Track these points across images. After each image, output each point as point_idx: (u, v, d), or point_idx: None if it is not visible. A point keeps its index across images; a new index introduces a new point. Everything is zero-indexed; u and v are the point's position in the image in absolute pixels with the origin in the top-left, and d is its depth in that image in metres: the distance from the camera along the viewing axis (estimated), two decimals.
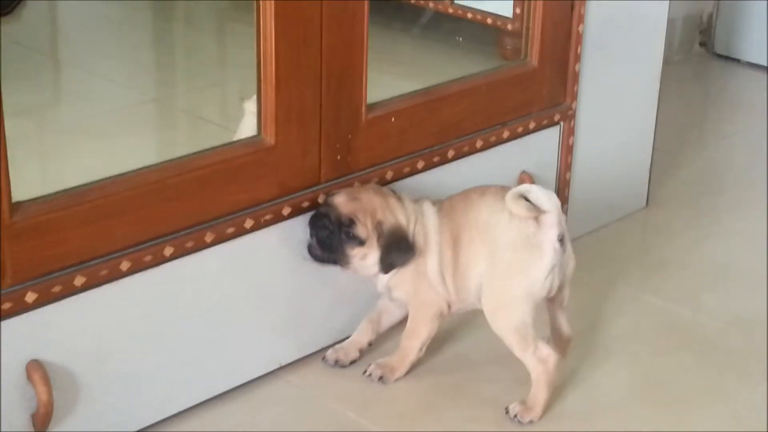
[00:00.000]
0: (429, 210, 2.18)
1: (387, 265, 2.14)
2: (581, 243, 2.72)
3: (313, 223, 2.13)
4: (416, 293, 2.18)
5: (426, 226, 2.16)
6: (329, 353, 2.26)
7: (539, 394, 2.11)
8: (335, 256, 2.13)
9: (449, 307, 2.19)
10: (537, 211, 2.05)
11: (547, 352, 2.10)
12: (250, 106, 2.16)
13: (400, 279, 2.17)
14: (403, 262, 2.14)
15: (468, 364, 2.28)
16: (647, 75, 2.82)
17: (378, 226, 2.12)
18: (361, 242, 2.12)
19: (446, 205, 2.19)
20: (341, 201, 2.12)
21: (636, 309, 2.52)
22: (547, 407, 2.13)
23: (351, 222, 2.11)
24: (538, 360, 2.09)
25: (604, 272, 2.65)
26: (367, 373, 2.21)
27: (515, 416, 2.11)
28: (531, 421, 2.11)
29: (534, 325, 2.09)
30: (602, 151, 2.75)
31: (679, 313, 2.51)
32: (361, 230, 2.11)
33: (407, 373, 2.22)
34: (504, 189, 2.11)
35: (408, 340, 2.21)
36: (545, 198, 2.06)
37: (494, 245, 2.10)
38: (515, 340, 2.10)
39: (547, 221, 2.06)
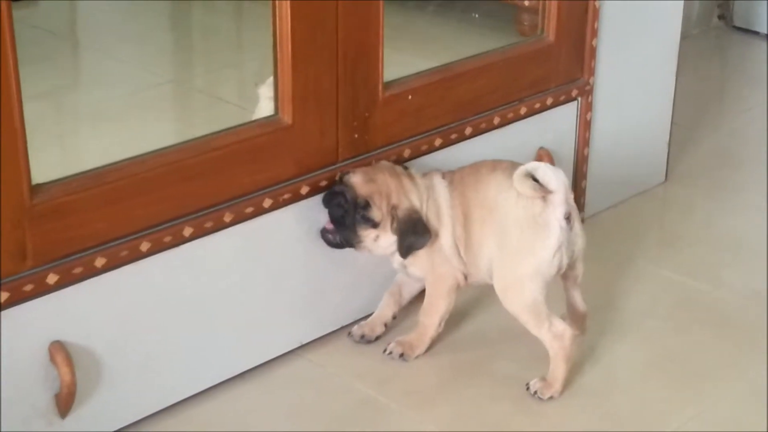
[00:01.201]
0: (439, 184, 2.18)
1: (405, 249, 2.14)
2: (600, 218, 2.72)
3: (328, 201, 2.14)
4: (432, 268, 2.19)
5: (438, 201, 2.17)
6: (355, 329, 2.27)
7: (558, 370, 2.12)
8: (347, 234, 2.13)
9: (465, 278, 2.20)
10: (543, 191, 2.05)
11: (562, 327, 2.10)
12: (265, 91, 2.16)
13: (415, 256, 2.18)
14: (421, 245, 2.15)
15: (486, 341, 2.29)
16: (665, 49, 2.81)
17: (393, 210, 2.12)
18: (375, 225, 2.13)
19: (457, 178, 2.19)
20: (358, 181, 2.13)
21: (654, 284, 2.52)
22: (567, 383, 2.13)
23: (367, 204, 2.11)
24: (554, 336, 2.10)
25: (623, 247, 2.65)
26: (388, 351, 2.22)
27: (535, 392, 2.12)
28: (551, 397, 2.12)
29: (546, 302, 2.10)
30: (620, 127, 2.74)
31: (698, 288, 2.51)
32: (376, 213, 2.12)
33: (427, 349, 2.23)
34: (514, 165, 2.11)
35: (426, 317, 2.22)
36: (552, 176, 2.05)
37: (502, 224, 2.11)
38: (529, 318, 2.10)
39: (554, 200, 2.06)
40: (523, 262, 2.09)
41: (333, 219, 2.14)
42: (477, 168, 2.19)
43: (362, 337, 2.26)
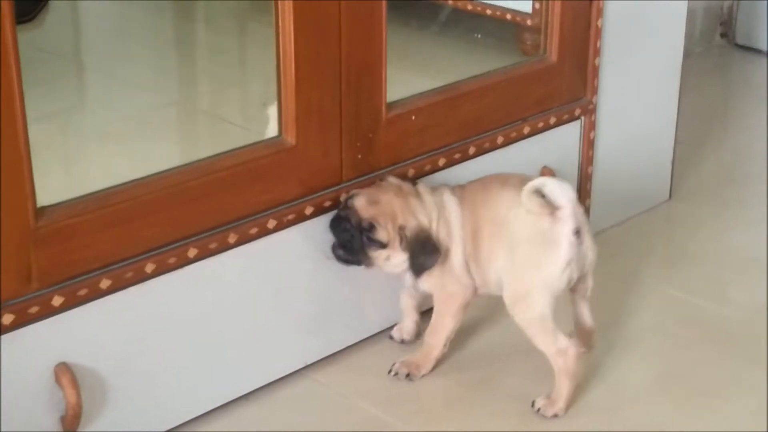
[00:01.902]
0: (450, 201, 2.18)
1: (417, 268, 2.14)
2: (605, 236, 2.72)
3: (334, 226, 2.14)
4: (443, 286, 2.19)
5: (448, 219, 2.17)
6: (395, 332, 2.32)
7: (562, 387, 2.12)
8: (357, 257, 2.14)
9: (475, 291, 2.20)
10: (551, 207, 2.06)
11: (566, 343, 2.10)
12: (274, 112, 2.17)
13: (427, 273, 2.18)
14: (432, 264, 2.15)
15: (492, 358, 2.29)
16: (668, 67, 2.81)
17: (401, 230, 2.12)
18: (383, 245, 2.13)
19: (466, 194, 2.19)
20: (361, 204, 2.13)
21: (660, 302, 2.52)
22: (571, 401, 2.13)
23: (371, 227, 2.11)
24: (558, 351, 2.10)
25: (628, 265, 2.65)
26: (393, 372, 2.22)
27: (539, 410, 2.12)
28: (555, 415, 2.11)
29: (553, 318, 2.10)
30: (624, 145, 2.74)
31: (703, 305, 2.50)
32: (381, 234, 2.12)
33: (433, 369, 2.23)
34: (524, 179, 2.11)
35: (432, 336, 2.22)
36: (560, 192, 2.06)
37: (513, 239, 2.11)
38: (536, 331, 2.10)
39: (562, 215, 2.06)
40: (532, 276, 2.09)
41: (341, 243, 2.14)
42: (487, 183, 2.20)
43: (402, 341, 2.31)
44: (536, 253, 2.08)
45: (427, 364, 2.23)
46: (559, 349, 2.09)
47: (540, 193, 2.06)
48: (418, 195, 2.17)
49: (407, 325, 2.32)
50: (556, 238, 2.07)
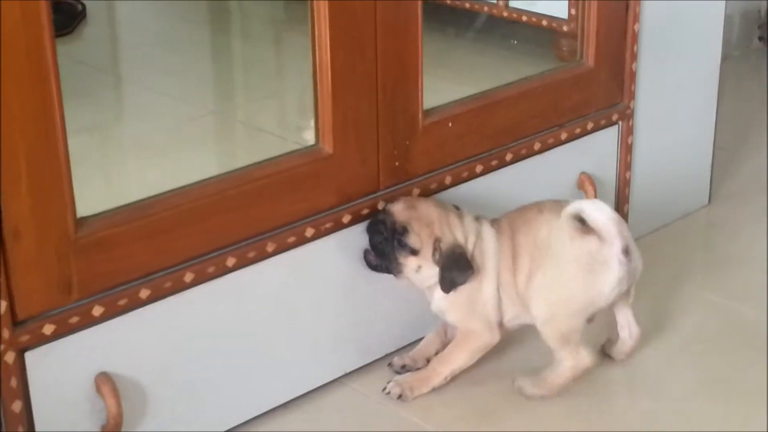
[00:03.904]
0: (488, 232, 2.16)
1: (448, 284, 2.12)
2: (644, 242, 2.70)
3: (370, 229, 2.14)
4: (467, 321, 2.16)
5: (483, 250, 2.15)
6: (396, 360, 2.25)
7: (556, 378, 2.14)
8: (387, 263, 2.13)
9: (499, 335, 2.17)
10: (592, 230, 2.05)
11: (586, 353, 2.12)
12: (311, 123, 2.17)
13: (454, 301, 2.15)
14: (463, 281, 2.12)
15: (530, 367, 2.27)
16: (706, 71, 2.80)
17: (436, 242, 2.11)
18: (414, 251, 2.11)
19: (504, 225, 2.18)
20: (398, 209, 2.12)
21: (701, 307, 2.50)
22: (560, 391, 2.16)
23: (404, 230, 2.10)
24: (575, 355, 2.11)
25: (668, 271, 2.63)
26: (386, 391, 2.18)
27: (520, 388, 2.15)
28: (542, 396, 2.15)
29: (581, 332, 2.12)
30: (662, 150, 2.73)
31: (744, 311, 2.48)
32: (413, 239, 2.11)
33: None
34: (558, 202, 2.12)
35: (440, 364, 2.18)
36: (598, 214, 2.05)
37: (557, 262, 2.09)
38: (561, 344, 2.12)
39: (608, 236, 2.05)
40: (577, 297, 2.09)
41: (373, 246, 2.14)
42: (523, 212, 2.19)
43: (403, 367, 2.24)
44: (584, 275, 2.08)
45: (422, 388, 2.17)
46: (577, 355, 2.11)
47: (579, 218, 2.06)
48: (459, 216, 2.16)
49: (416, 354, 2.25)
50: (605, 260, 2.06)
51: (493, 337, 2.16)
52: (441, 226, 2.12)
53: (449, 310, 2.17)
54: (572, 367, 2.13)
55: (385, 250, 2.12)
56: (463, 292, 2.14)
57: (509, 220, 2.19)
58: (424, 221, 2.11)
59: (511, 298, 2.15)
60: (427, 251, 2.11)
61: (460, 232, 2.14)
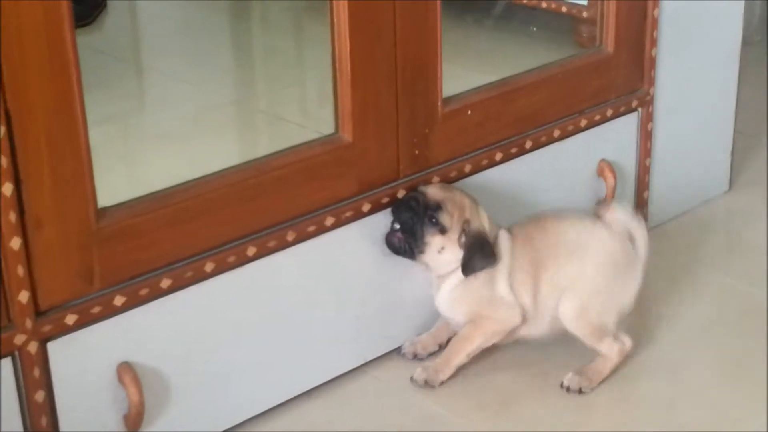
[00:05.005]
0: (503, 236, 2.18)
1: (468, 267, 2.13)
2: (664, 229, 2.70)
3: (399, 206, 2.14)
4: (478, 310, 2.17)
5: (500, 250, 2.17)
6: (406, 346, 2.26)
7: (604, 368, 2.17)
8: (413, 240, 2.13)
9: (521, 318, 2.18)
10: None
11: (625, 338, 2.18)
12: (330, 113, 2.17)
13: (462, 294, 2.17)
14: (483, 267, 2.14)
15: (551, 354, 2.27)
16: (726, 57, 2.79)
17: (465, 224, 2.12)
18: (443, 230, 2.12)
19: (518, 232, 2.20)
20: (433, 190, 2.15)
21: (721, 293, 2.50)
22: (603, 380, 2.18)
23: (438, 207, 2.12)
24: (615, 345, 2.17)
25: (688, 257, 2.63)
26: (413, 378, 2.19)
27: (568, 388, 2.16)
28: (580, 391, 2.15)
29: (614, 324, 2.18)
30: (682, 136, 2.72)
31: (764, 296, 2.48)
32: (445, 218, 2.12)
33: (451, 377, 2.20)
34: (571, 210, 2.19)
35: (457, 342, 2.19)
36: (641, 233, 2.19)
37: (588, 261, 2.15)
38: (597, 338, 2.17)
39: (641, 252, 2.17)
40: (618, 294, 2.17)
41: (401, 222, 2.14)
42: (540, 221, 2.22)
43: (414, 356, 2.25)
44: (623, 273, 2.17)
45: (446, 370, 2.18)
46: (621, 349, 2.17)
47: (619, 222, 2.18)
48: (485, 212, 2.19)
49: (427, 340, 2.27)
50: (636, 262, 2.17)
51: (514, 316, 2.17)
52: (472, 212, 2.15)
53: (458, 302, 2.18)
54: (618, 352, 2.18)
55: (414, 227, 2.12)
56: (472, 288, 2.15)
57: (524, 228, 2.21)
58: (457, 204, 2.14)
59: (533, 301, 2.17)
60: (454, 233, 2.13)
61: (487, 224, 2.16)
